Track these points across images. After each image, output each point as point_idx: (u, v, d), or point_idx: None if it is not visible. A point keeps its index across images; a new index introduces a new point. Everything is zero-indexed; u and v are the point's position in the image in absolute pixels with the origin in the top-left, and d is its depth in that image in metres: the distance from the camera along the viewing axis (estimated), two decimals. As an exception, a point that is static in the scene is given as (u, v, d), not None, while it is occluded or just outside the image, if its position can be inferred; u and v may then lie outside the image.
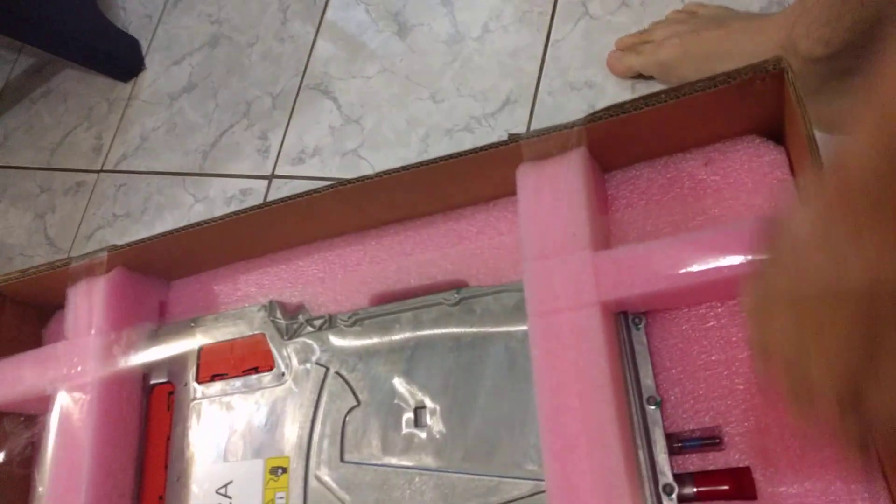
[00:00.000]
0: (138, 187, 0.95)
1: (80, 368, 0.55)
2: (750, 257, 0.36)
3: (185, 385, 0.56)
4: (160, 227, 0.89)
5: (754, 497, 0.38)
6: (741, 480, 0.37)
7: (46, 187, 1.06)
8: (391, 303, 0.51)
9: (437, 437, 0.46)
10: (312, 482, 0.48)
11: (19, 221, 1.05)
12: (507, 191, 0.48)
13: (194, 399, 0.55)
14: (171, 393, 0.57)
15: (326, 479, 0.48)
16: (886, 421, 0.25)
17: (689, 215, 0.44)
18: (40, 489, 0.54)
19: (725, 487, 0.38)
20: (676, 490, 0.38)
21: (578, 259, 0.41)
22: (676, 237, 0.41)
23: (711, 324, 0.42)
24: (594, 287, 0.40)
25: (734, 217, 0.43)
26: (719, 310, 0.42)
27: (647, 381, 0.41)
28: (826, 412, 0.26)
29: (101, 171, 1.00)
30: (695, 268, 0.38)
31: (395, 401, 0.48)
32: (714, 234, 0.40)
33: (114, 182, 0.98)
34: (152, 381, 0.58)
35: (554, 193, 0.43)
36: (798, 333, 0.26)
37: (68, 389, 0.54)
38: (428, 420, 0.46)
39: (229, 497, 0.51)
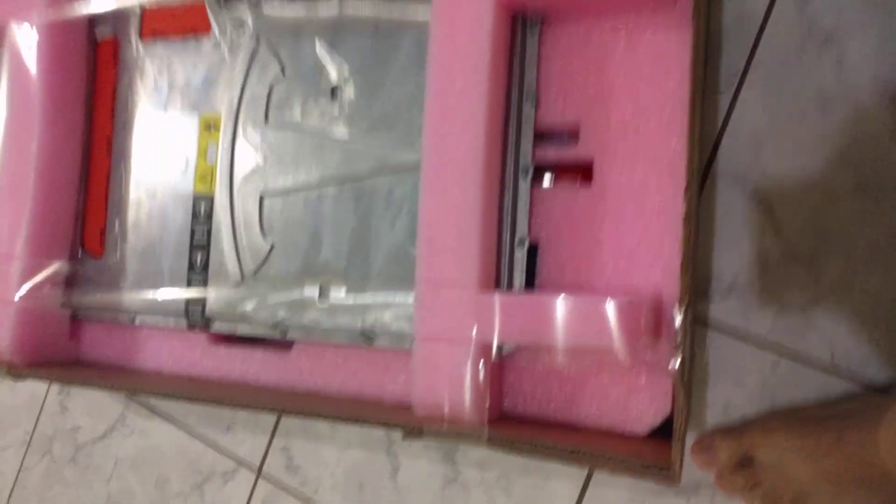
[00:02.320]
0: None
1: (29, 5, 0.58)
2: None
3: (129, 42, 0.60)
4: None
5: (588, 182, 0.46)
6: (581, 169, 0.46)
7: None
8: (321, -18, 0.53)
9: (348, 110, 0.52)
10: (239, 139, 0.55)
11: None
12: None
13: (138, 55, 0.60)
14: (115, 49, 0.61)
15: (252, 134, 0.55)
16: None
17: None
18: None
19: (568, 175, 0.47)
20: (531, 172, 0.46)
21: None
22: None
23: (596, 34, 0.47)
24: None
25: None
26: (605, 22, 0.46)
27: (531, 81, 0.47)
28: None
29: None
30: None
31: (316, 75, 0.53)
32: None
33: None
34: (98, 38, 0.61)
35: None
36: None
37: (18, 22, 0.58)
38: (343, 95, 0.52)
39: (170, 143, 0.59)
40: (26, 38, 0.57)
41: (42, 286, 0.58)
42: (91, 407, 0.76)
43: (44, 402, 0.80)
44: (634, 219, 0.46)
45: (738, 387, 0.52)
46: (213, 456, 0.69)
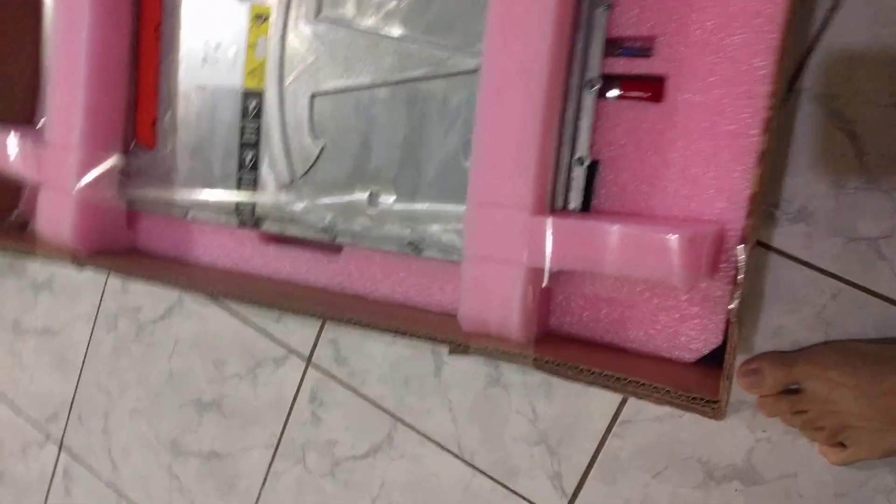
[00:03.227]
0: None
1: None
2: None
3: None
4: None
5: (659, 100, 0.43)
6: (653, 85, 0.42)
7: None
8: None
9: (406, 8, 0.49)
10: (290, 33, 0.53)
11: None
12: None
13: None
14: None
15: (303, 29, 0.52)
16: None
17: None
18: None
19: (638, 92, 0.43)
20: (598, 84, 0.43)
21: None
22: None
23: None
24: None
25: None
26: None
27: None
28: None
29: None
30: None
31: None
32: None
33: None
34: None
35: None
36: None
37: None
38: None
39: (221, 35, 0.56)
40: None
41: (99, 178, 0.59)
42: (150, 289, 0.80)
43: (106, 281, 0.84)
44: (704, 144, 0.43)
45: (792, 313, 0.51)
46: (265, 343, 0.72)
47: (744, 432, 0.53)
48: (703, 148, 0.43)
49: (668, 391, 0.39)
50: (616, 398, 0.57)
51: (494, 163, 0.42)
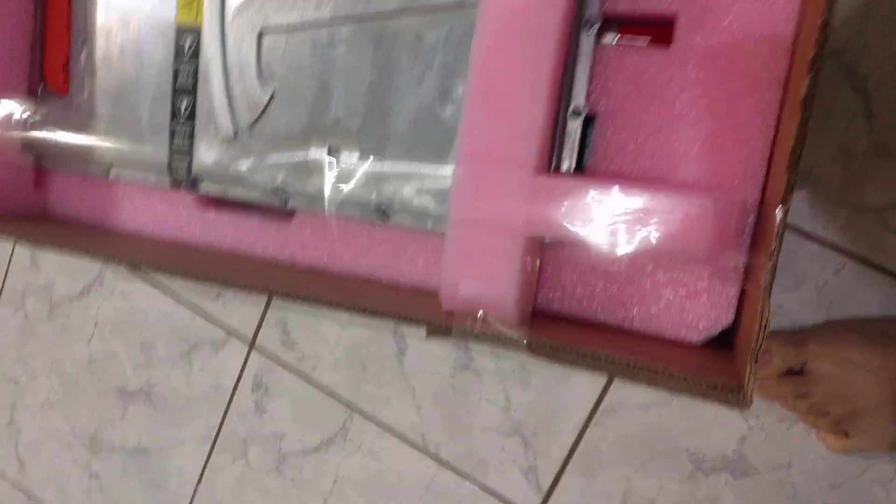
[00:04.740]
0: None
1: None
2: None
3: None
4: None
5: (668, 43, 0.37)
6: (659, 28, 0.36)
7: None
8: None
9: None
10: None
11: None
12: None
13: None
14: None
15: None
16: None
17: None
18: None
19: (642, 38, 0.37)
20: (596, 25, 0.37)
21: None
22: None
23: None
24: None
25: None
26: None
27: None
28: None
29: None
30: None
31: None
32: None
33: None
34: None
35: None
36: None
37: None
38: None
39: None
40: None
41: (-3, 126, 0.49)
42: (64, 261, 0.70)
43: (12, 252, 0.73)
44: (719, 95, 0.37)
45: (794, 289, 0.47)
46: (200, 323, 0.64)
47: (736, 420, 0.49)
48: (718, 100, 0.38)
49: (685, 378, 0.34)
50: (598, 385, 0.52)
51: (492, 113, 0.36)
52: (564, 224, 0.34)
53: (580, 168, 0.41)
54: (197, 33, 0.47)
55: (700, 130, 0.38)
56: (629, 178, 0.40)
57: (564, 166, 0.40)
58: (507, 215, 0.35)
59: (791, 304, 0.47)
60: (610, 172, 0.40)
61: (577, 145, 0.40)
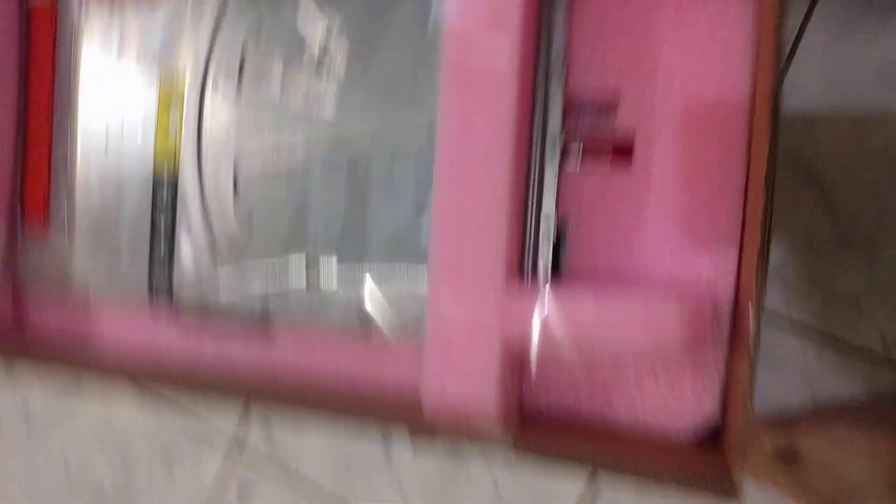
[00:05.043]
0: None
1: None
2: None
3: (70, 4, 0.50)
4: None
5: (628, 157, 0.39)
6: (618, 142, 0.39)
7: None
8: None
9: (339, 72, 0.44)
10: (207, 106, 0.47)
11: None
12: None
13: (81, 17, 0.50)
14: (53, 14, 0.51)
15: (223, 99, 0.46)
16: None
17: None
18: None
19: (602, 148, 0.40)
20: (559, 146, 0.39)
21: None
22: None
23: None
24: None
25: None
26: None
27: (558, 35, 0.39)
28: None
29: None
30: None
31: (299, 34, 0.44)
32: None
33: None
34: (33, 2, 0.51)
35: None
36: None
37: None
38: (332, 56, 0.44)
39: (125, 115, 0.50)
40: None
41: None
42: (39, 374, 0.69)
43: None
44: (684, 200, 0.39)
45: (777, 376, 0.47)
46: (182, 424, 0.62)
47: (730, 506, 0.49)
48: (684, 204, 0.39)
49: (671, 471, 0.34)
50: (586, 471, 0.51)
51: (459, 227, 0.37)
52: (538, 329, 0.35)
53: (556, 271, 0.42)
54: (174, 183, 0.48)
55: (670, 230, 0.40)
56: (601, 280, 0.41)
57: (540, 270, 0.41)
58: (483, 321, 0.36)
59: (775, 387, 0.48)
60: (582, 274, 0.41)
61: (548, 251, 0.41)
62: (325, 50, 0.44)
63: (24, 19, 0.52)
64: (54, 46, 0.52)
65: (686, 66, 0.39)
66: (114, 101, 0.50)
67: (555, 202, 0.41)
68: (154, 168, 0.49)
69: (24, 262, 0.52)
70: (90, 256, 0.51)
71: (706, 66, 0.38)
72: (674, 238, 0.40)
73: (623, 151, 0.41)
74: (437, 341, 0.37)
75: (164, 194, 0.48)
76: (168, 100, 0.48)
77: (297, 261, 0.46)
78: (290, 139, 0.45)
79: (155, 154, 0.49)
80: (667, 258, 0.40)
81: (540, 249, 0.41)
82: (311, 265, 0.46)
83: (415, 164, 0.43)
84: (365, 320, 0.44)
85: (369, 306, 0.44)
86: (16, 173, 0.53)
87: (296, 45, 0.45)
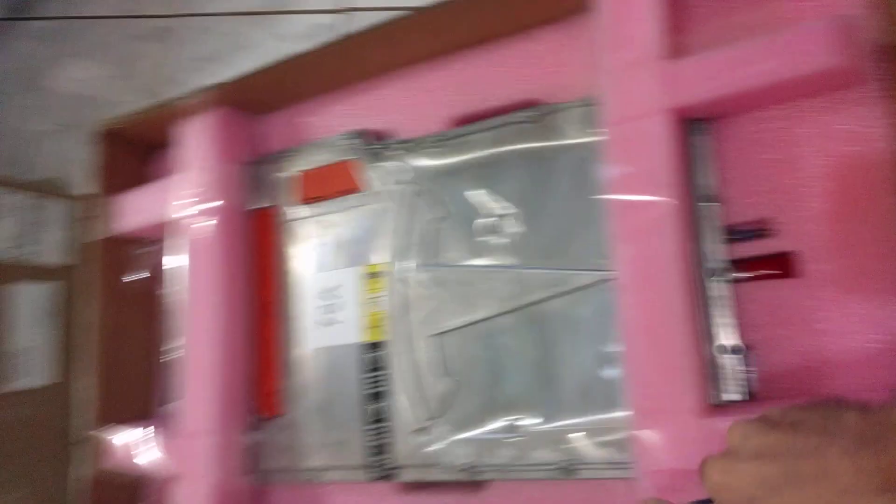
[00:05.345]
0: (218, 30, 0.98)
1: (195, 198, 0.63)
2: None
3: (286, 207, 0.64)
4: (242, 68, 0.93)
5: (794, 275, 0.44)
6: (783, 262, 0.43)
7: (128, 34, 1.10)
8: (471, 123, 0.55)
9: (515, 239, 0.52)
10: (405, 283, 0.56)
11: (102, 70, 1.11)
12: (579, 8, 0.50)
13: (295, 219, 0.63)
14: (272, 215, 0.65)
15: (418, 277, 0.56)
16: None
17: (766, 19, 0.46)
18: (174, 300, 0.64)
19: (769, 271, 0.44)
20: (720, 272, 0.44)
21: (653, 68, 0.44)
22: (748, 41, 0.43)
23: (777, 125, 0.45)
24: (665, 95, 0.44)
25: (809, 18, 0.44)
26: (785, 111, 0.45)
27: (708, 180, 0.46)
28: None
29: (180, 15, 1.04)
30: (763, 68, 0.41)
31: (477, 210, 0.54)
32: (784, 36, 0.41)
33: (193, 25, 1.01)
34: (255, 206, 0.65)
35: (630, 6, 0.45)
36: None
37: (188, 217, 0.63)
38: (507, 226, 0.53)
39: (335, 298, 0.60)
40: (196, 227, 0.63)
41: (227, 459, 0.59)
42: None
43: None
44: (857, 309, 0.42)
45: None
46: None
47: None
48: (857, 314, 0.42)
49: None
50: None
51: (647, 365, 0.42)
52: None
53: (751, 398, 0.44)
54: (381, 349, 0.57)
55: (850, 342, 0.42)
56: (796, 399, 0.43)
57: (730, 398, 0.44)
58: (684, 458, 0.39)
59: None
60: (773, 399, 0.44)
61: (742, 378, 0.44)
62: (501, 220, 0.53)
63: (249, 219, 0.65)
64: (273, 241, 0.64)
65: (835, 185, 0.43)
66: (326, 279, 0.61)
67: (735, 323, 0.45)
68: (363, 337, 0.58)
69: (259, 455, 0.61)
70: (314, 435, 0.59)
71: (854, 182, 0.43)
72: (855, 346, 0.42)
73: (784, 262, 0.44)
74: (648, 486, 0.41)
75: (373, 359, 0.57)
76: (369, 278, 0.58)
77: (501, 425, 0.51)
78: (480, 299, 0.53)
79: (364, 325, 0.58)
80: (853, 368, 0.41)
81: (729, 375, 0.44)
82: (513, 428, 0.51)
83: (592, 321, 0.49)
84: (568, 471, 0.48)
85: (571, 457, 0.48)
86: (252, 374, 0.63)
87: (476, 220, 0.54)
